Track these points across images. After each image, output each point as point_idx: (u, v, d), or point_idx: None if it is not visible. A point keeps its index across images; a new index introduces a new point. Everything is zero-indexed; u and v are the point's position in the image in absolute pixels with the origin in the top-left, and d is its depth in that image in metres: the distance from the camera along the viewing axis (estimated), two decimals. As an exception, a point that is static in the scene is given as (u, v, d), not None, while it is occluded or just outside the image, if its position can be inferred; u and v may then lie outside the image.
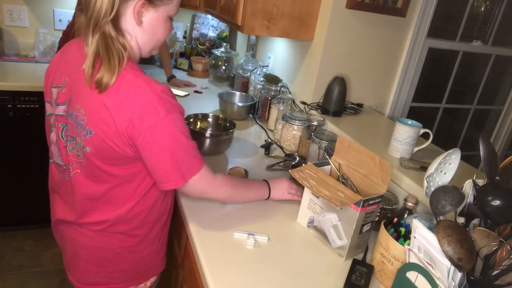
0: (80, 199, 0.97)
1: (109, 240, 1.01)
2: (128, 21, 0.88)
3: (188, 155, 0.92)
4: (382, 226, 0.97)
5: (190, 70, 2.70)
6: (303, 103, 1.86)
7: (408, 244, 0.88)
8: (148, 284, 1.14)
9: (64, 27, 2.55)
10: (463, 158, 0.98)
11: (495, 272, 0.80)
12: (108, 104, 0.84)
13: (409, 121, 1.40)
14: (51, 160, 1.05)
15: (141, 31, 0.91)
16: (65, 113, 0.94)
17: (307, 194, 1.14)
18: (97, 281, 1.06)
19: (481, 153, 0.86)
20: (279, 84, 1.94)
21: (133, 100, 0.84)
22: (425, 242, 0.82)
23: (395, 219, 1.00)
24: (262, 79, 2.06)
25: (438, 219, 0.87)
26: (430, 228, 0.84)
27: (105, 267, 1.04)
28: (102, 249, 1.02)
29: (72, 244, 1.05)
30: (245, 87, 2.25)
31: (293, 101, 1.90)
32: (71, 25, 2.21)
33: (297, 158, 1.52)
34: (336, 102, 1.74)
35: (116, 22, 0.85)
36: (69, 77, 0.93)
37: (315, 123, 1.57)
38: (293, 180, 1.24)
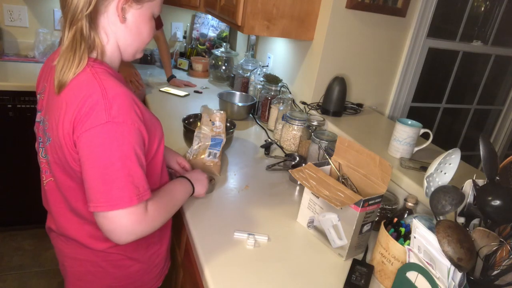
0: (55, 209, 0.94)
1: (91, 252, 0.95)
2: (110, 19, 0.83)
3: (126, 180, 0.77)
4: (382, 226, 0.97)
5: (190, 70, 2.70)
6: (303, 103, 1.86)
7: (408, 244, 0.88)
8: None
9: (64, 27, 2.55)
10: (463, 158, 0.98)
11: (495, 272, 0.80)
12: (62, 106, 0.78)
13: (409, 121, 1.40)
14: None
15: (124, 29, 0.86)
16: (40, 120, 0.91)
17: (307, 194, 1.14)
18: None
19: (481, 153, 0.86)
20: (279, 84, 1.94)
21: (80, 100, 0.76)
22: (425, 242, 0.82)
23: (395, 219, 1.00)
24: (262, 79, 2.06)
25: (438, 219, 0.87)
26: (430, 228, 0.84)
27: (90, 282, 0.98)
28: (85, 261, 0.96)
29: (59, 253, 1.01)
30: (245, 87, 2.25)
31: (293, 101, 1.90)
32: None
33: (297, 158, 1.52)
34: (336, 102, 1.74)
35: (93, 18, 0.80)
36: (48, 83, 0.89)
37: (315, 123, 1.57)
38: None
